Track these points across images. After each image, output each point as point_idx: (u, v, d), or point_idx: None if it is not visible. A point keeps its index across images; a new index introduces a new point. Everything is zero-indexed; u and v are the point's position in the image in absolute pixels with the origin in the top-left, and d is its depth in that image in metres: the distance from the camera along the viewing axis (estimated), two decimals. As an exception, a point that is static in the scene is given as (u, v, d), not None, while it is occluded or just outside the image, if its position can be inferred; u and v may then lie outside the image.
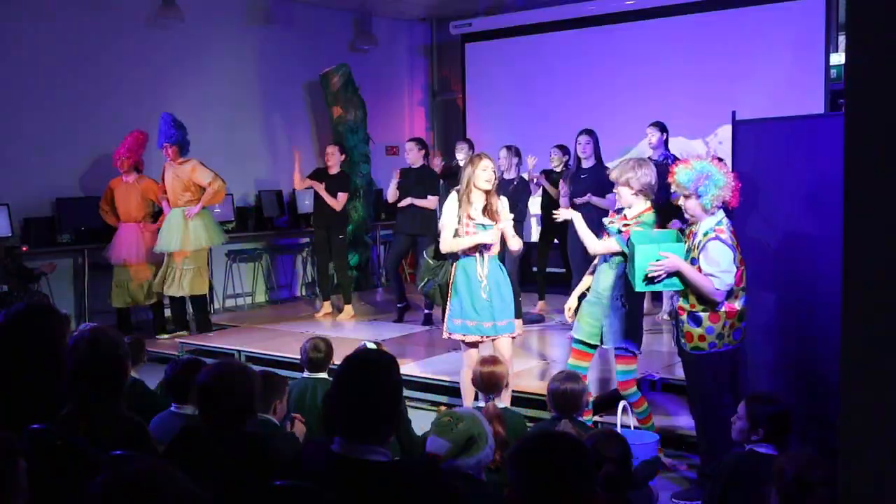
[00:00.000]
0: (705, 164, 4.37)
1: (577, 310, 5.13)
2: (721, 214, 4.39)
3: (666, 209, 5.67)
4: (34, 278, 7.77)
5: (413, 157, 8.33)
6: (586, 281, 5.18)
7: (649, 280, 4.40)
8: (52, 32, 8.61)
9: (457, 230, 5.21)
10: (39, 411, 2.70)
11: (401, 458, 3.50)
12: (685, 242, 4.50)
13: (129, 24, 9.25)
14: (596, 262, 5.11)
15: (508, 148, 8.16)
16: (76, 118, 8.77)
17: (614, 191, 4.99)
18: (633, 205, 4.85)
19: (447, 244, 5.24)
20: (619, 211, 4.99)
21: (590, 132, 7.80)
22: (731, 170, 4.52)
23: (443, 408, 5.95)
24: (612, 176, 4.94)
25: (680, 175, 4.38)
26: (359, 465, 2.39)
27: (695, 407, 4.64)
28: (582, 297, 5.15)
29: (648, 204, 4.86)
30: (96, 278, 8.76)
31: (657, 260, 4.33)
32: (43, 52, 8.54)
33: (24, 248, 8.11)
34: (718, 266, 4.28)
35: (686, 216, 4.56)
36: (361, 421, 2.43)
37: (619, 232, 4.84)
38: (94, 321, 7.90)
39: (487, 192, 5.17)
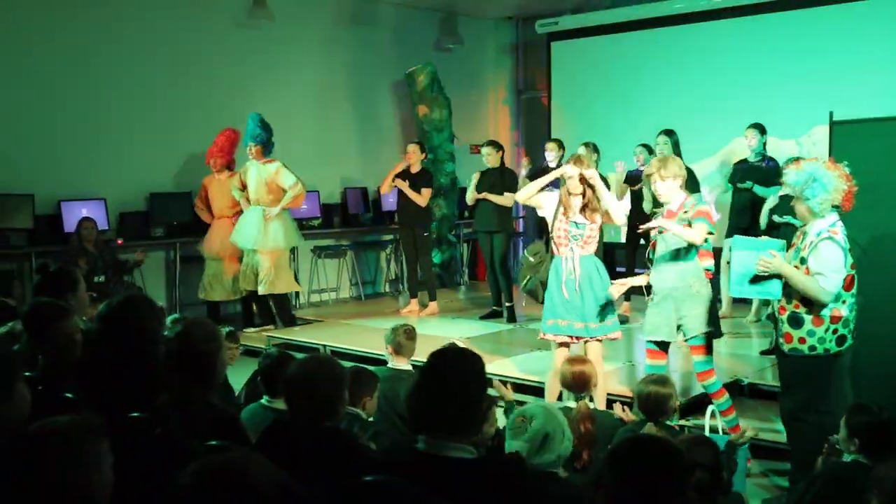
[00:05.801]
0: (816, 166, 4.25)
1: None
2: (835, 216, 4.26)
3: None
4: (128, 270, 8.02)
5: (492, 160, 8.35)
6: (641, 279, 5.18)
7: (746, 284, 4.32)
8: (146, 33, 8.85)
9: (553, 224, 5.31)
10: (137, 400, 2.76)
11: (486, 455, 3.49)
12: (794, 243, 4.40)
13: (220, 25, 9.47)
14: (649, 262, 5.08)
15: (586, 145, 8.04)
16: (168, 116, 9.00)
17: (660, 182, 4.95)
18: (674, 198, 4.94)
19: (521, 192, 5.66)
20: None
21: (669, 133, 7.63)
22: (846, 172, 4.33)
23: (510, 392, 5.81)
24: (663, 173, 4.91)
25: (789, 176, 4.33)
26: (444, 463, 2.38)
27: (787, 411, 4.50)
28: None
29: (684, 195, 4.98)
30: (187, 271, 8.99)
31: (751, 271, 4.27)
32: (137, 53, 8.78)
33: (120, 242, 8.37)
34: (828, 266, 4.16)
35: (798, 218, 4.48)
36: (446, 418, 2.42)
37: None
38: (185, 313, 8.11)
39: (585, 193, 5.22)
